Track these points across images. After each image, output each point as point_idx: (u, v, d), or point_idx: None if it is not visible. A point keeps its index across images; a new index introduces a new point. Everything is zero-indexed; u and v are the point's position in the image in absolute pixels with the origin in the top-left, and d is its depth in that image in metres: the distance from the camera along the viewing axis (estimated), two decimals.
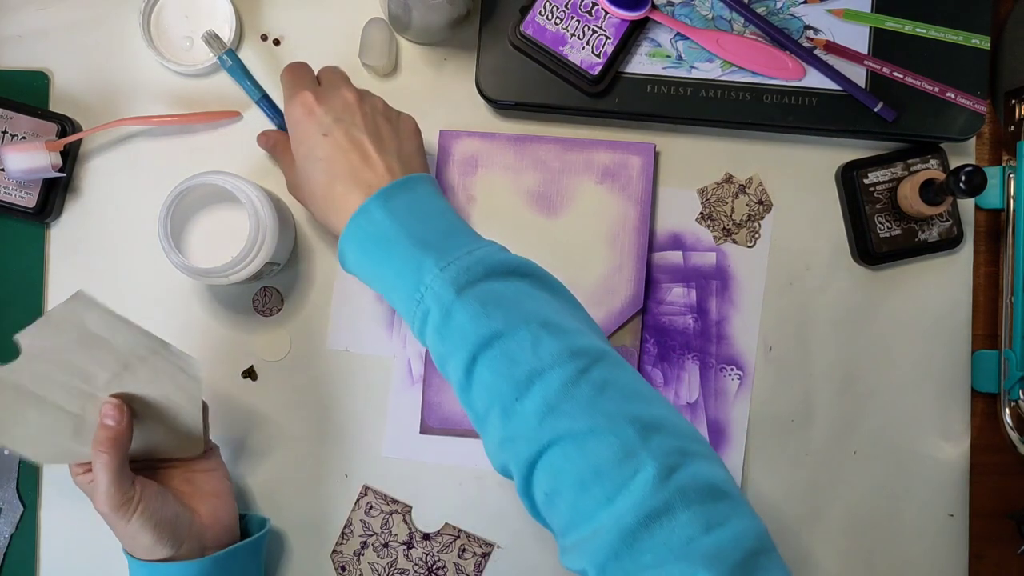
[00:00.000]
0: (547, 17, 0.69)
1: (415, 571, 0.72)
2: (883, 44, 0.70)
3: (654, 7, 0.69)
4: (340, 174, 0.60)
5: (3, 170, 0.69)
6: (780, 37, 0.70)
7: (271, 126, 0.72)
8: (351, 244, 0.59)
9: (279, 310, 0.72)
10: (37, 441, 0.60)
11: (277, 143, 0.70)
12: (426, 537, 0.72)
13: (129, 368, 0.59)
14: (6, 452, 0.72)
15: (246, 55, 0.73)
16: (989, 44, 0.70)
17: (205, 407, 0.64)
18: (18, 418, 0.59)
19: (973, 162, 0.73)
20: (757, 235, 0.73)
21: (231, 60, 0.70)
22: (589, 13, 0.69)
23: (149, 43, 0.71)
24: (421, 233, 0.56)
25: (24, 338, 0.57)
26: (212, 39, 0.69)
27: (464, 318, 0.52)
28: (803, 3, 0.70)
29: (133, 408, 0.60)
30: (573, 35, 0.69)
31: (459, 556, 0.72)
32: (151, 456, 0.64)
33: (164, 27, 0.72)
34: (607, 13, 0.69)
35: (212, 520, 0.64)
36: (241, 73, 0.71)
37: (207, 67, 0.72)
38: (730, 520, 0.47)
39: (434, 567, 0.72)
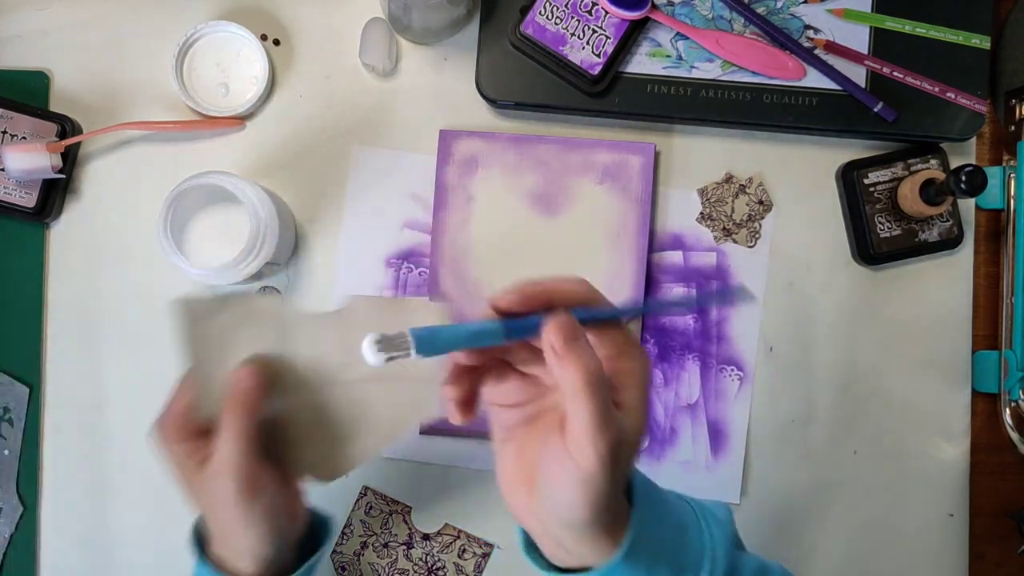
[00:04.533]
0: (547, 17, 0.69)
1: (415, 571, 0.72)
2: (883, 44, 0.70)
3: (654, 7, 0.69)
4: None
5: (3, 170, 0.69)
6: (780, 37, 0.70)
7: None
8: None
9: None
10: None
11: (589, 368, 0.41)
12: (426, 537, 0.72)
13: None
14: (6, 452, 0.72)
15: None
16: (989, 44, 0.70)
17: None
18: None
19: (973, 162, 0.73)
20: (757, 235, 0.73)
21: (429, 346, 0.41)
22: (589, 13, 0.69)
23: (183, 91, 0.71)
24: (667, 554, 0.47)
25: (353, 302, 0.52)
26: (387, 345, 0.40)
27: None
28: (803, 3, 0.70)
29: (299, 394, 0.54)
30: (573, 35, 0.69)
31: (459, 556, 0.72)
32: (279, 459, 0.54)
33: (198, 75, 0.72)
34: (607, 13, 0.69)
35: (303, 516, 0.57)
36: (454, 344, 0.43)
37: (244, 111, 0.72)
38: None
39: (434, 567, 0.72)
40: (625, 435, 0.41)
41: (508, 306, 0.42)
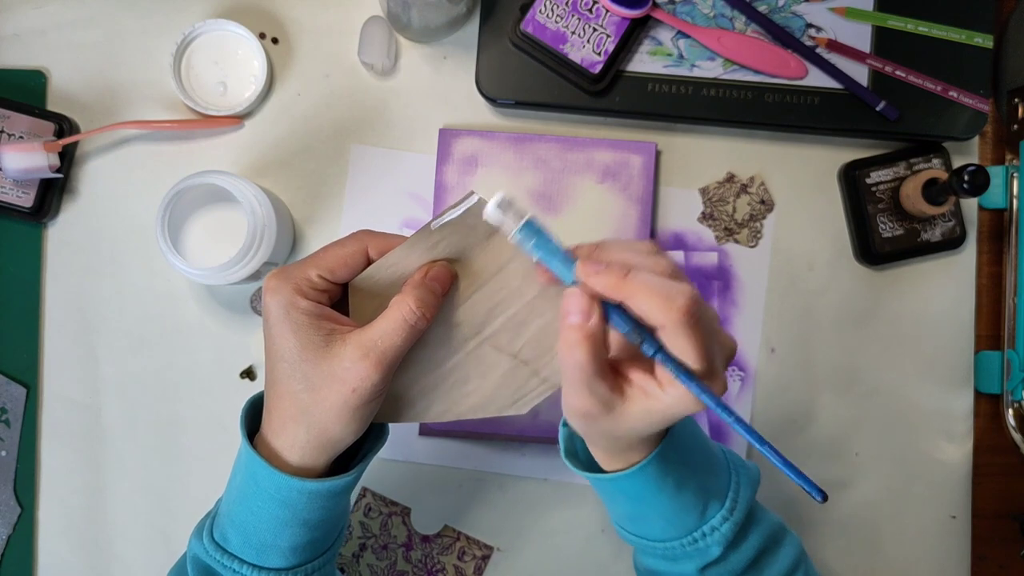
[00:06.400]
0: (547, 15, 0.69)
1: (414, 573, 0.72)
2: (885, 42, 0.70)
3: (655, 5, 0.69)
4: None
5: (0, 169, 0.68)
6: (782, 35, 0.69)
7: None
8: (639, 480, 0.50)
9: None
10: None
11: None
12: (425, 539, 0.72)
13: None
14: (3, 453, 0.71)
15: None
16: (992, 43, 0.70)
17: None
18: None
19: (976, 161, 0.73)
20: (759, 235, 0.72)
21: (534, 237, 0.45)
22: (590, 11, 0.68)
23: (181, 89, 0.70)
24: (695, 471, 0.52)
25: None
26: (506, 206, 0.45)
27: (736, 558, 0.53)
28: (805, 1, 0.70)
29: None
30: (574, 33, 0.68)
31: (458, 559, 0.72)
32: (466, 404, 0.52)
33: (196, 73, 0.71)
34: (608, 11, 0.68)
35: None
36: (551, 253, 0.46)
37: (242, 110, 0.72)
38: None
39: (433, 569, 0.72)
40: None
41: (590, 285, 0.43)
